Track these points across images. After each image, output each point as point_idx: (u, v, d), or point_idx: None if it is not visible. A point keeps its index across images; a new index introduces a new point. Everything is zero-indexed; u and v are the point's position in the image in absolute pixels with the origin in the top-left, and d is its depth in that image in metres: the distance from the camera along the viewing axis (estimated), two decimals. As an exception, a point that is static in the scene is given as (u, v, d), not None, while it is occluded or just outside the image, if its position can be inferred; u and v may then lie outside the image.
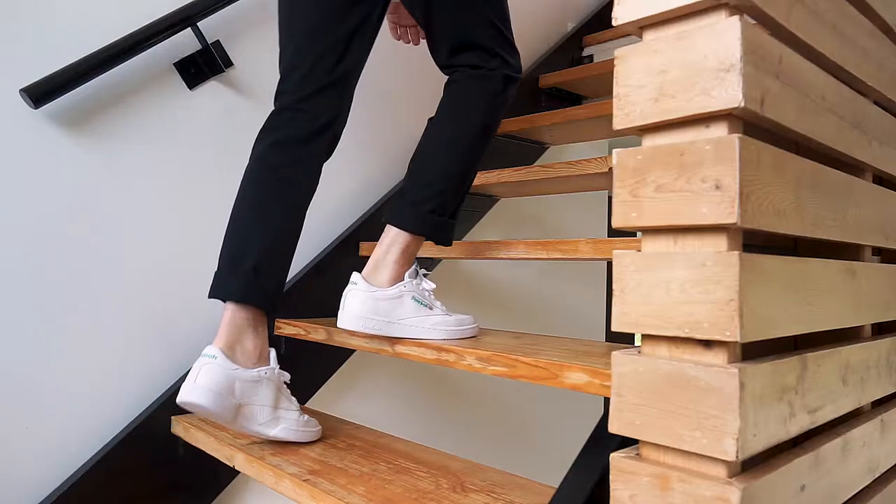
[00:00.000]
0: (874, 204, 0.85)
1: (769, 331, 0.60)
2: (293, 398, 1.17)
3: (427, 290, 1.14)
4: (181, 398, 1.02)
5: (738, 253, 0.56)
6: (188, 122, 1.40)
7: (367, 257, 1.61)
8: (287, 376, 1.16)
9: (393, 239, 1.14)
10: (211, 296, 1.11)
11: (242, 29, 1.48)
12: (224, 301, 1.11)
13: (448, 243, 1.19)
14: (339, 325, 1.11)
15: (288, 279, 1.51)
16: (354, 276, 1.12)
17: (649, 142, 0.64)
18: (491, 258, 1.36)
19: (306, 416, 1.19)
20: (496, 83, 1.16)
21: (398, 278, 1.12)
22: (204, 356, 1.05)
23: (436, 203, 1.14)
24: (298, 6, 1.18)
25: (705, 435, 0.57)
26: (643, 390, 0.62)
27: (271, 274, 1.13)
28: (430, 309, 1.12)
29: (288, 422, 1.13)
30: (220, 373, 1.03)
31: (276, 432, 1.12)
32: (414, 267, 1.15)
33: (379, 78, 1.53)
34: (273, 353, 1.14)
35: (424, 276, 1.16)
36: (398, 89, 1.77)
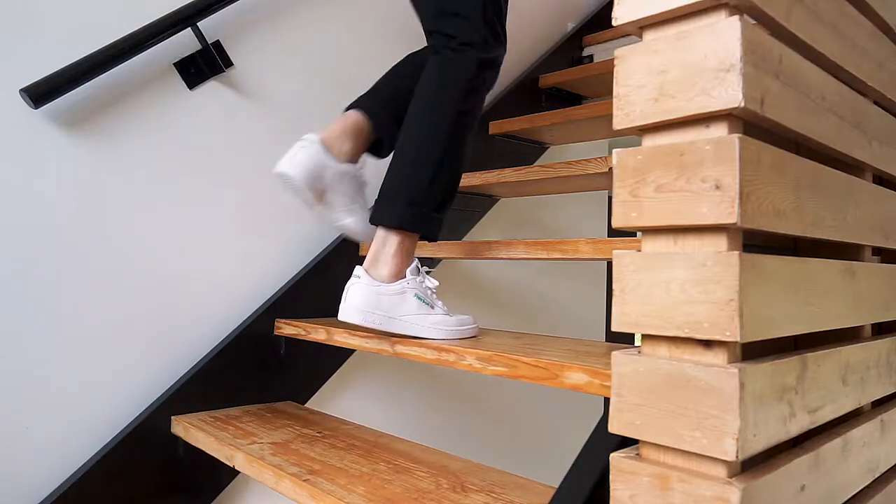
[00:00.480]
0: (874, 204, 0.85)
1: (769, 331, 0.60)
2: (367, 202, 1.27)
3: (429, 289, 1.14)
4: (278, 168, 1.18)
5: (738, 253, 0.56)
6: (188, 123, 1.40)
7: (367, 257, 1.61)
8: (368, 184, 1.27)
9: (384, 236, 1.14)
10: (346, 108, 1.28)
11: (242, 29, 1.48)
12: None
13: (433, 238, 1.18)
14: (339, 317, 1.11)
15: (288, 279, 1.52)
16: (358, 269, 1.12)
17: (649, 142, 0.64)
18: (491, 258, 1.36)
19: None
20: (469, 67, 1.16)
21: (399, 274, 1.12)
22: (305, 139, 1.19)
23: (412, 195, 1.13)
24: None
25: (705, 435, 0.57)
26: (643, 390, 0.62)
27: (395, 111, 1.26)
28: (432, 308, 1.12)
29: (361, 215, 1.26)
30: (315, 156, 1.19)
31: (350, 222, 1.26)
32: (415, 264, 1.14)
33: (379, 77, 1.53)
34: (363, 159, 1.27)
35: (427, 273, 1.16)
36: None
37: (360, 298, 1.09)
